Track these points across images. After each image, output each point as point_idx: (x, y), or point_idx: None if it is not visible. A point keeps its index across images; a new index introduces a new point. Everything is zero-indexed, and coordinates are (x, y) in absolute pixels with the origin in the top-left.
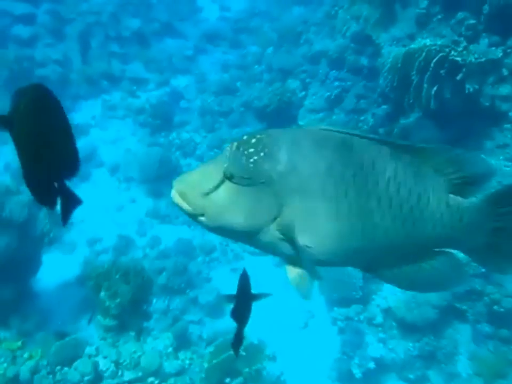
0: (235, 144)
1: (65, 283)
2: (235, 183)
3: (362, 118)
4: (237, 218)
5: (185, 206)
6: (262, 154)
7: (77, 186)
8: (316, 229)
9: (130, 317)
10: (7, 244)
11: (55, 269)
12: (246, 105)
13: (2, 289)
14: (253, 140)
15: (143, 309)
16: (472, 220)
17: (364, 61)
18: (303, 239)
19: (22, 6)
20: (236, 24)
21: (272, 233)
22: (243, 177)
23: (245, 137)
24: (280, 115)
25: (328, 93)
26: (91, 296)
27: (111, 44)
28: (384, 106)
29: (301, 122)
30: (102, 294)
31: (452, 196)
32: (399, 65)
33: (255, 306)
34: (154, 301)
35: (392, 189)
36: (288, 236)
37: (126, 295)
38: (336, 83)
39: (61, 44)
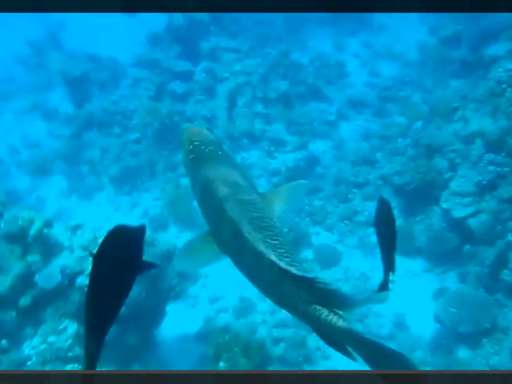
0: (186, 134)
1: (185, 337)
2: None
3: None
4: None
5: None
6: (190, 166)
7: None
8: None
9: None
10: (137, 294)
11: (177, 322)
12: (384, 178)
13: (128, 335)
14: (189, 146)
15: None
16: (333, 333)
17: None
18: None
19: (183, 64)
20: (383, 92)
21: None
22: (185, 166)
23: (186, 135)
24: (420, 194)
25: (480, 177)
26: (209, 358)
27: (256, 104)
28: None
29: (443, 205)
30: (221, 364)
31: (316, 306)
32: None
33: None
34: None
35: (267, 274)
36: None
37: (245, 368)
38: (491, 167)
39: (211, 101)
